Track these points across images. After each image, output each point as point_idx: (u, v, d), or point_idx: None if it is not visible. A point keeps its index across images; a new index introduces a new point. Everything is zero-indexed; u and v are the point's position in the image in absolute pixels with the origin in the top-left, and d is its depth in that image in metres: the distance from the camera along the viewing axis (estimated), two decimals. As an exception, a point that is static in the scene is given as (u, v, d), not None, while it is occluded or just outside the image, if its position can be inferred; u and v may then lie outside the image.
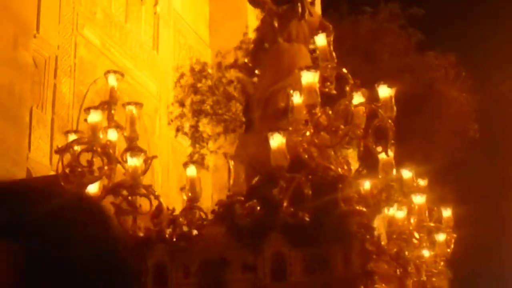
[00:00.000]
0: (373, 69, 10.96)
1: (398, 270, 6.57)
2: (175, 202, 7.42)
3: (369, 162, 6.48)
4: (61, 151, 6.17)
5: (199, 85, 11.95)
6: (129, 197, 6.04)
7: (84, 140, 6.26)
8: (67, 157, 6.30)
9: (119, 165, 6.33)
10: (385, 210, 6.70)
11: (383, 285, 5.72)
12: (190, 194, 6.12)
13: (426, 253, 7.80)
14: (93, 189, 6.25)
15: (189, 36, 20.07)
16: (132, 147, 6.18)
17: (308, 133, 5.94)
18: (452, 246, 8.48)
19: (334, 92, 6.20)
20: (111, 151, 6.28)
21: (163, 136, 15.06)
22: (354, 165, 6.81)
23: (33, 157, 11.83)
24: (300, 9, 7.03)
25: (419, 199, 7.43)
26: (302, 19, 6.90)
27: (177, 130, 12.40)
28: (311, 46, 7.01)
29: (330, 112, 6.04)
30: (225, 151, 9.54)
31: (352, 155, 8.43)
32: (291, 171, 5.89)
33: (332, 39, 6.58)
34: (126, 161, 6.14)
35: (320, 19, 7.24)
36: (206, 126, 12.05)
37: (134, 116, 6.34)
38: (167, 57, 16.69)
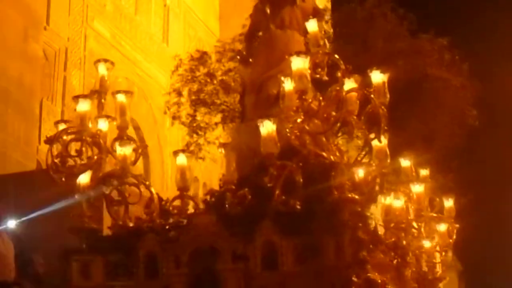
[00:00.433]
0: (368, 57, 10.86)
1: (395, 260, 6.46)
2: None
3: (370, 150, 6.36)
4: (50, 141, 6.09)
5: (197, 73, 11.88)
6: (119, 187, 5.96)
7: (74, 130, 6.18)
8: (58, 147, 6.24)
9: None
10: (381, 199, 6.62)
11: (377, 274, 5.59)
12: (180, 183, 6.04)
13: (427, 243, 7.67)
14: (84, 179, 6.18)
15: (199, 28, 20.00)
16: (121, 136, 6.09)
17: (299, 120, 5.83)
18: (454, 236, 8.34)
19: (325, 78, 6.08)
20: (101, 141, 6.20)
21: (173, 128, 14.98)
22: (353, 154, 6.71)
23: (44, 149, 11.87)
24: (293, -5, 6.94)
25: (417, 188, 7.31)
26: (294, 4, 6.81)
27: (173, 118, 12.34)
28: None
29: (321, 98, 5.93)
30: (223, 141, 9.47)
31: (351, 146, 8.34)
32: (282, 158, 5.79)
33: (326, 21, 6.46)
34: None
35: (314, 5, 7.13)
36: (203, 116, 11.99)
37: (124, 105, 6.26)
38: (177, 49, 16.65)
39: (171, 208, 6.06)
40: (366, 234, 5.59)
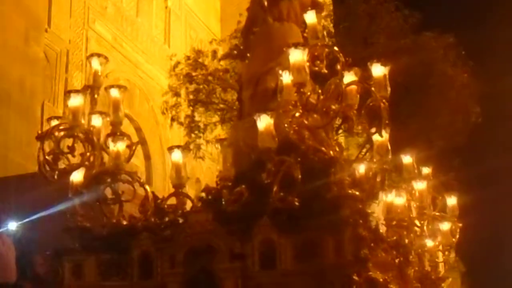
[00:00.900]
0: (370, 52, 10.73)
1: (397, 259, 6.29)
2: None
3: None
4: (41, 137, 5.92)
5: (194, 74, 11.77)
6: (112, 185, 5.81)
7: (66, 126, 6.02)
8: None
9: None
10: (382, 196, 6.45)
11: (378, 272, 5.42)
12: (175, 180, 5.87)
13: (429, 242, 7.51)
14: (77, 176, 6.04)
15: (200, 30, 19.97)
16: (115, 132, 5.93)
17: (297, 114, 5.67)
18: (457, 235, 8.18)
19: (325, 71, 5.92)
20: (94, 137, 6.05)
21: (175, 129, 14.91)
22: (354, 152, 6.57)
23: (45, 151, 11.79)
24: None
25: (420, 185, 7.15)
26: (292, -4, 6.68)
27: (172, 119, 12.24)
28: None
29: (320, 91, 5.77)
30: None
31: (351, 143, 8.19)
32: (280, 154, 5.62)
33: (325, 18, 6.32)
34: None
35: (313, -4, 6.97)
36: (202, 116, 11.88)
37: (117, 100, 6.09)
38: (178, 51, 16.60)
39: (166, 206, 5.89)
40: (367, 231, 5.42)
